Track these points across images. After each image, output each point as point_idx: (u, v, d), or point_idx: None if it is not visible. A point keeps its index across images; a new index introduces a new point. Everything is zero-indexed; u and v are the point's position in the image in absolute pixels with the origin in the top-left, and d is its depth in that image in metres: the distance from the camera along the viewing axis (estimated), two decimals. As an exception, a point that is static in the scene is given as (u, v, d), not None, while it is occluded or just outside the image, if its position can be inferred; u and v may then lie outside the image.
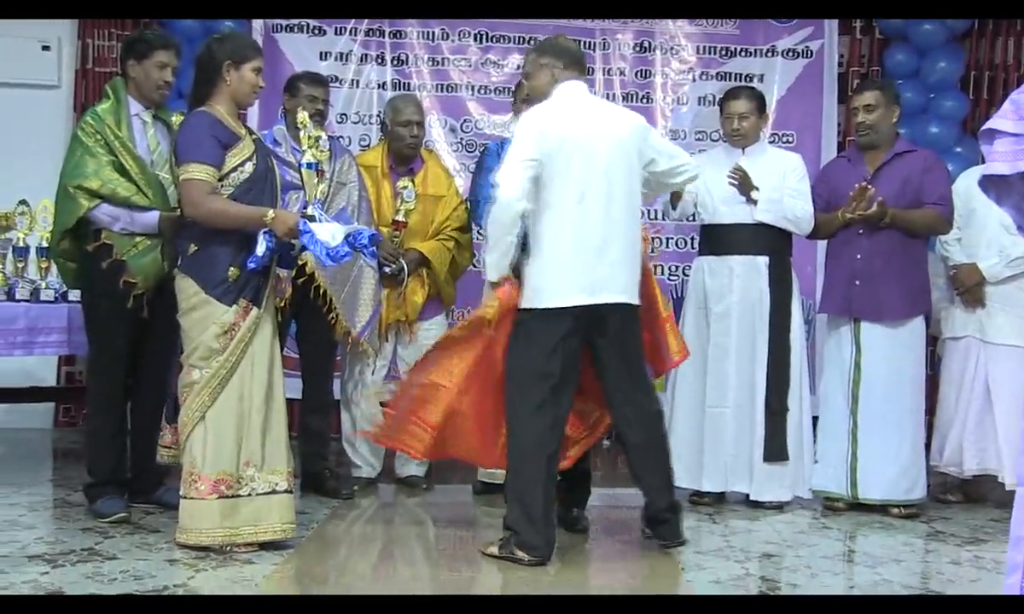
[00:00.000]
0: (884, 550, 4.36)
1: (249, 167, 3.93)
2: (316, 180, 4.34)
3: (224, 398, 3.85)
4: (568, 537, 4.38)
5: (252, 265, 3.84)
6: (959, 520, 4.93)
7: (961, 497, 5.33)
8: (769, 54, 6.82)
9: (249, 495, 3.88)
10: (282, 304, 4.67)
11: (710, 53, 6.85)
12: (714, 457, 4.95)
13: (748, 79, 6.62)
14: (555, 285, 3.92)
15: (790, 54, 6.80)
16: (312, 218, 3.85)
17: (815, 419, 5.19)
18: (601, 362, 4.04)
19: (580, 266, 3.92)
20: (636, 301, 4.06)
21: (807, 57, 6.81)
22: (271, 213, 3.83)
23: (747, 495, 5.01)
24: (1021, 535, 2.38)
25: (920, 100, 6.57)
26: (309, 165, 4.19)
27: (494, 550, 4.01)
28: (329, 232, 3.80)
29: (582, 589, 3.79)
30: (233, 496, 3.85)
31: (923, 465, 5.06)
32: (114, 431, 4.42)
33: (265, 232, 3.82)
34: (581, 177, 3.92)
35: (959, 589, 3.82)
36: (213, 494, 3.82)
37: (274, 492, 3.93)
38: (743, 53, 6.83)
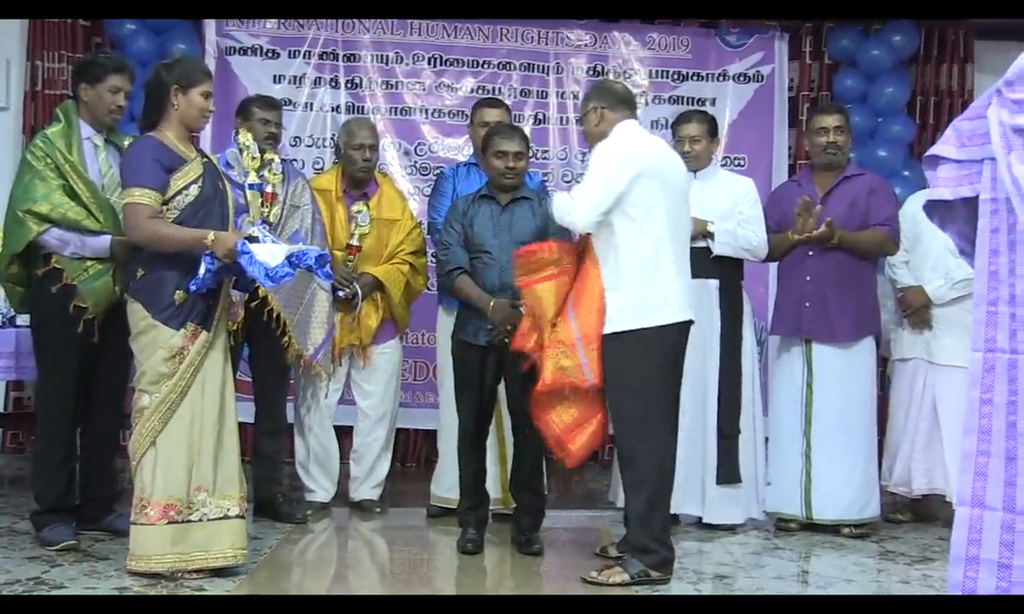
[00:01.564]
0: (836, 570, 4.40)
1: (194, 190, 3.91)
2: (260, 201, 4.32)
3: (175, 423, 3.82)
4: (522, 559, 4.39)
5: (193, 288, 3.80)
6: (909, 540, 4.99)
7: (911, 516, 5.39)
8: (720, 78, 6.89)
9: (200, 520, 3.85)
10: (235, 327, 4.65)
11: (662, 77, 6.91)
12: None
13: (700, 103, 6.69)
14: (666, 301, 4.06)
15: (741, 78, 6.88)
16: (254, 239, 3.82)
17: (767, 440, 5.23)
18: None
19: (682, 283, 4.12)
20: None
21: (758, 81, 6.89)
22: (211, 235, 3.79)
23: (700, 518, 5.03)
24: (961, 555, 2.42)
25: (868, 124, 6.67)
26: (252, 186, 4.18)
27: (623, 577, 3.98)
28: (269, 252, 3.77)
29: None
30: (183, 522, 3.82)
31: (876, 484, 5.11)
32: (62, 457, 4.36)
33: (206, 255, 3.79)
34: (672, 203, 4.10)
35: (908, 608, 3.86)
36: (163, 519, 3.78)
37: (226, 517, 3.90)
38: (695, 77, 6.90)
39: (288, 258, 3.76)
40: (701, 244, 4.90)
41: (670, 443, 4.09)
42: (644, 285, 4.03)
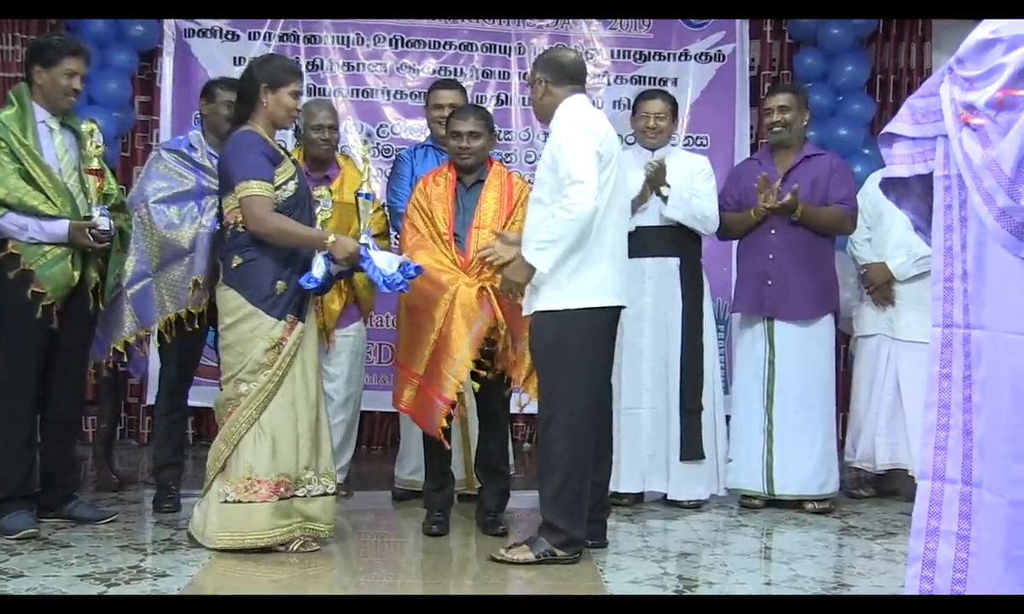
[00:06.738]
0: (799, 546, 4.44)
1: (292, 186, 4.06)
2: (371, 209, 4.40)
3: (276, 405, 4.00)
4: (487, 540, 4.40)
5: (311, 286, 3.98)
6: (870, 514, 5.04)
7: (873, 492, 5.44)
8: (682, 58, 6.89)
9: (304, 497, 4.07)
10: (199, 311, 4.62)
11: (624, 57, 6.91)
12: (631, 458, 4.97)
13: (662, 82, 6.69)
14: (606, 284, 4.03)
15: (703, 58, 6.89)
16: (366, 246, 4.02)
17: (728, 418, 5.27)
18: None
19: (621, 267, 4.10)
20: None
21: (719, 61, 6.90)
22: (332, 237, 3.98)
23: (665, 495, 5.06)
24: (922, 527, 2.45)
25: (828, 103, 6.70)
26: (367, 195, 4.28)
27: (527, 556, 3.99)
28: (385, 260, 4.03)
29: (501, 592, 3.80)
30: (290, 497, 4.03)
31: (836, 459, 5.17)
32: (23, 444, 4.31)
33: (325, 255, 3.96)
34: (615, 181, 4.06)
35: (870, 581, 3.91)
36: (273, 496, 3.96)
37: (325, 494, 4.13)
38: (657, 57, 6.90)
39: (399, 267, 4.03)
40: (661, 223, 4.93)
41: (594, 427, 4.07)
42: (579, 266, 3.97)
